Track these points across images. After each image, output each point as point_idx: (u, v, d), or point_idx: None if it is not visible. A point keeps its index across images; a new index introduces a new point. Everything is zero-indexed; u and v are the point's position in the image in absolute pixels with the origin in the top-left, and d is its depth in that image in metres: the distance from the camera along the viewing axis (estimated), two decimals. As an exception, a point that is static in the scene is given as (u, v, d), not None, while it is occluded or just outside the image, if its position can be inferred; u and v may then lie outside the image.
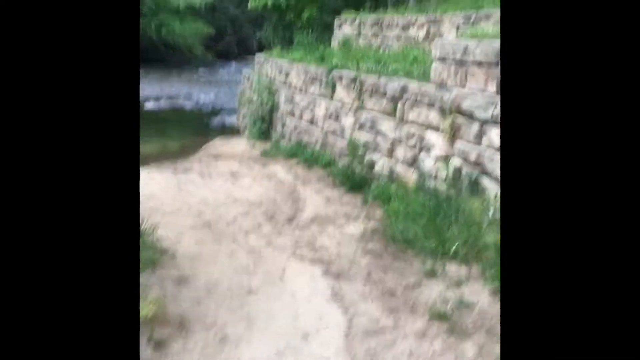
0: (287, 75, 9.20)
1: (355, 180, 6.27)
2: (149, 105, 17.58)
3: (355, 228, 4.86)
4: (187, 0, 32.85)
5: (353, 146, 6.47)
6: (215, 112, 16.25)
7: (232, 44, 41.02)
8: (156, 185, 6.10)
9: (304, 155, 7.81)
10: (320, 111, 7.64)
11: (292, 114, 8.76)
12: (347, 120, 6.83)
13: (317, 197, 6.09)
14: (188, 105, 17.98)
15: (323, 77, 7.62)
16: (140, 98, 18.98)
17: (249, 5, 17.55)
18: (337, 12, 16.72)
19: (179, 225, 4.70)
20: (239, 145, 9.48)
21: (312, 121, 7.96)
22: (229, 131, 13.20)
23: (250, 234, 4.62)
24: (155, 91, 20.79)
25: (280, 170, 7.46)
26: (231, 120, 14.31)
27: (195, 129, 14.02)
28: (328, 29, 15.21)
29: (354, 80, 6.69)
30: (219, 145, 9.65)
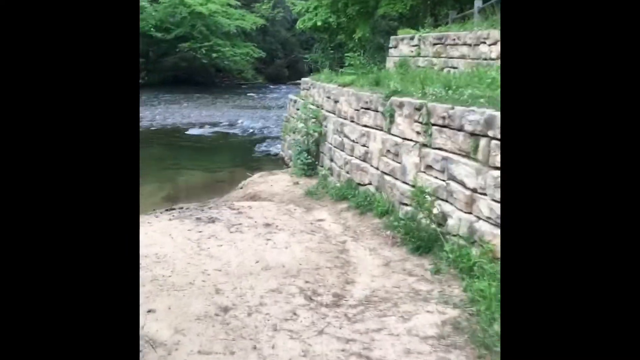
0: (336, 101, 7.93)
1: (422, 238, 4.87)
2: (193, 132, 16.71)
3: (427, 320, 3.46)
4: (238, 24, 32.46)
5: (418, 192, 5.07)
6: (260, 139, 15.18)
7: (283, 67, 40.54)
8: (171, 243, 4.89)
9: (356, 198, 6.47)
10: (375, 146, 6.30)
11: (341, 147, 7.46)
12: (410, 159, 5.46)
13: (373, 259, 4.73)
14: (233, 131, 17.00)
15: (379, 104, 6.29)
16: (184, 124, 18.23)
17: (297, 25, 16.53)
18: (390, 32, 15.51)
19: (184, 314, 3.44)
20: (281, 181, 8.23)
21: (365, 158, 6.62)
22: (273, 162, 12.04)
23: (279, 330, 3.30)
24: (201, 117, 20.01)
25: (326, 217, 6.14)
26: (276, 148, 13.17)
27: (237, 158, 12.95)
28: (381, 50, 13.96)
29: (418, 109, 5.34)
30: (258, 181, 8.43)
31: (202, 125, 17.82)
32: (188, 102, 24.90)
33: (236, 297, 3.76)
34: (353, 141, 7.00)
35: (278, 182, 8.22)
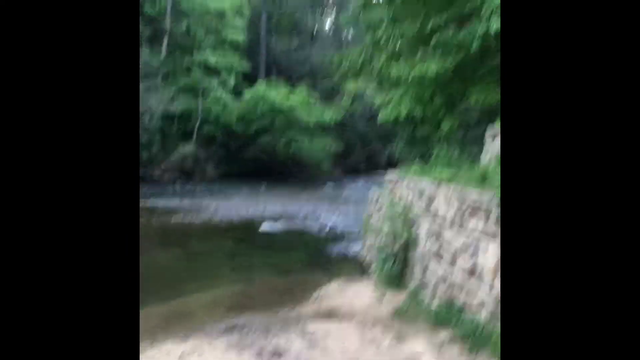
0: (430, 200, 6.68)
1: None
2: (265, 227, 15.83)
3: None
4: (317, 118, 32.55)
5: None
6: (337, 237, 14.01)
7: (361, 160, 40.06)
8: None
9: (462, 326, 5.04)
10: (488, 259, 4.93)
11: (438, 256, 6.11)
12: (543, 283, 4.05)
13: None
14: (308, 226, 15.97)
15: (492, 206, 4.98)
16: (259, 217, 17.48)
17: (379, 118, 15.71)
18: (480, 123, 14.34)
19: None
20: (362, 294, 6.91)
21: (473, 272, 5.23)
22: (351, 264, 10.74)
23: None
24: (275, 209, 19.24)
25: (424, 352, 4.72)
26: (354, 250, 11.91)
27: (311, 258, 11.76)
28: (474, 144, 12.75)
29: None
30: (335, 293, 7.15)
31: (276, 219, 16.95)
32: (265, 194, 24.45)
33: None
34: (456, 250, 5.65)
35: (359, 294, 6.90)
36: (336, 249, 12.41)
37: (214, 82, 30.52)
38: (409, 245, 7.27)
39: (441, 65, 12.61)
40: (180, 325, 6.35)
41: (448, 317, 5.35)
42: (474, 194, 5.38)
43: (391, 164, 36.38)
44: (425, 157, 14.47)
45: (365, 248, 10.46)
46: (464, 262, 5.41)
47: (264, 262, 11.25)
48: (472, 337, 4.76)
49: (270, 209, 19.27)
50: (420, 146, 16.74)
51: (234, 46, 32.56)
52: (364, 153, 40.45)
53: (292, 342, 4.79)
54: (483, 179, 5.88)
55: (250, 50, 34.41)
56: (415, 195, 7.35)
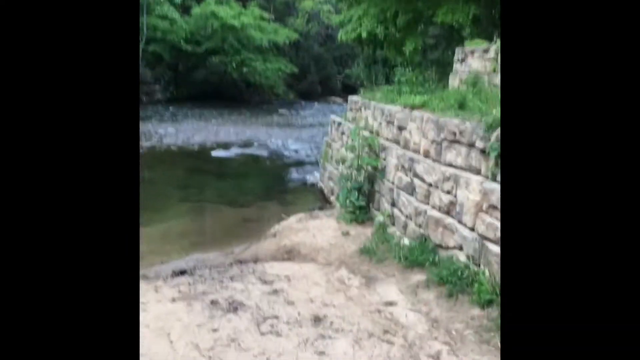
0: (400, 128, 6.08)
1: None
2: (220, 153, 15.02)
3: None
4: (270, 38, 31.01)
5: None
6: (293, 163, 13.39)
7: (315, 84, 38.93)
8: (168, 355, 3.09)
9: (437, 268, 4.59)
10: (468, 196, 4.41)
11: (410, 190, 5.59)
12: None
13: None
14: (263, 153, 15.25)
15: (476, 138, 4.42)
16: (211, 143, 16.60)
17: (339, 37, 14.72)
18: (447, 44, 13.71)
19: None
20: (326, 229, 6.38)
21: (450, 210, 4.74)
22: (310, 193, 10.22)
23: None
24: (229, 135, 18.36)
25: (398, 299, 4.26)
26: (313, 177, 11.35)
27: (268, 188, 11.15)
28: (440, 65, 12.10)
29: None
30: (296, 228, 6.59)
31: (229, 146, 16.12)
32: (216, 118, 23.37)
33: None
34: (430, 185, 5.12)
35: (322, 230, 6.37)
36: (293, 177, 11.81)
37: (160, -4, 28.32)
38: (375, 176, 6.72)
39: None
40: (124, 267, 5.69)
41: (421, 257, 4.89)
42: (453, 123, 4.79)
43: (347, 88, 35.58)
44: (385, 81, 13.81)
45: (324, 177, 9.90)
46: (440, 198, 4.89)
47: (216, 192, 10.57)
48: (448, 280, 4.32)
49: (223, 135, 18.36)
50: (381, 68, 15.99)
51: (181, -42, 30.11)
52: (318, 76, 39.23)
53: (250, 291, 4.23)
54: (461, 106, 5.29)
55: (198, -38, 31.98)
56: (383, 122, 6.73)
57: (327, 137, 10.41)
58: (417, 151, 5.55)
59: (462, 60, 9.52)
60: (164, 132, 17.84)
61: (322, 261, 5.39)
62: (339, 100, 35.42)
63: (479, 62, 8.77)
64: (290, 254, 5.73)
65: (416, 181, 5.43)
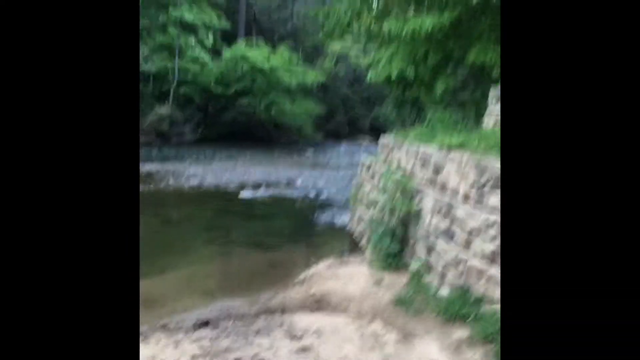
0: (437, 170, 5.76)
1: None
2: (247, 194, 14.84)
3: None
4: (299, 80, 31.27)
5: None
6: (322, 206, 13.08)
7: (343, 124, 39.01)
8: None
9: (483, 324, 4.18)
10: (516, 245, 4.02)
11: (448, 236, 5.22)
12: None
13: None
14: (290, 193, 15.01)
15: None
16: (238, 184, 16.46)
17: (369, 78, 14.62)
18: (475, 84, 13.41)
19: None
20: (357, 276, 6.02)
21: (493, 260, 4.35)
22: (339, 236, 9.86)
23: None
24: (256, 175, 18.22)
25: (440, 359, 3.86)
26: (343, 219, 11.01)
27: (296, 230, 10.84)
28: (466, 105, 11.81)
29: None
30: (325, 275, 6.24)
31: (257, 186, 15.95)
32: (244, 158, 23.37)
33: None
34: (470, 231, 4.76)
35: (353, 277, 6.01)
36: (322, 219, 11.48)
37: (191, 40, 28.90)
38: (409, 220, 6.37)
39: (437, 20, 11.52)
40: (144, 315, 5.40)
41: (463, 310, 4.49)
42: (496, 164, 4.46)
43: (375, 129, 35.42)
44: (416, 121, 13.56)
45: (355, 220, 9.57)
46: (483, 245, 4.52)
47: (244, 234, 10.31)
48: (497, 338, 3.90)
49: (251, 175, 18.26)
50: (411, 109, 15.77)
51: (212, 3, 30.84)
52: (346, 117, 39.33)
53: (277, 348, 3.88)
54: (503, 146, 4.95)
55: (229, 7, 32.70)
56: (417, 163, 6.42)
57: (356, 178, 10.12)
58: (455, 195, 5.21)
59: (497, 99, 9.20)
60: (193, 172, 17.81)
61: (354, 312, 5.02)
62: (366, 141, 35.32)
63: (515, 101, 8.44)
64: (319, 304, 5.37)
65: (455, 227, 5.07)
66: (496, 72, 12.63)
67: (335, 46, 33.71)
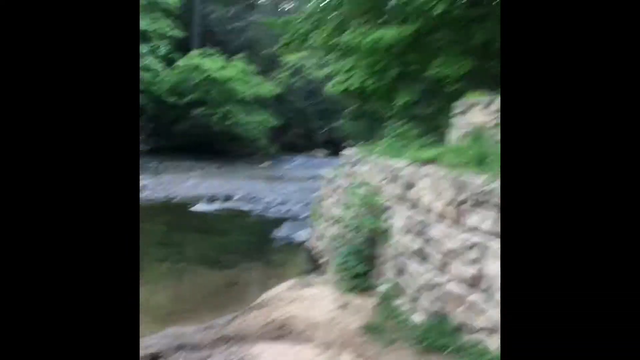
0: (408, 186, 5.41)
1: None
2: (201, 208, 14.20)
3: None
4: (254, 92, 30.78)
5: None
6: (278, 220, 12.59)
7: (299, 137, 38.67)
8: None
9: (464, 356, 3.81)
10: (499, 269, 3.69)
11: (421, 258, 4.87)
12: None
13: None
14: (246, 208, 14.46)
15: (506, 199, 3.73)
16: (191, 197, 15.77)
17: (327, 89, 14.31)
18: (431, 98, 13.27)
19: None
20: (322, 299, 5.59)
21: (475, 282, 4.01)
22: (298, 254, 9.41)
23: None
24: (211, 188, 17.56)
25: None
26: (301, 234, 10.57)
27: (253, 248, 10.31)
28: (433, 119, 11.62)
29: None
30: (287, 297, 5.78)
31: (211, 200, 15.32)
32: (197, 170, 22.63)
33: None
34: (447, 252, 4.41)
35: (317, 300, 5.57)
36: (280, 234, 11.00)
37: (144, 48, 28.01)
38: (375, 239, 6.00)
39: (397, 33, 11.32)
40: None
41: (441, 339, 4.12)
42: (477, 182, 4.14)
43: (330, 142, 35.19)
44: (374, 135, 13.32)
45: (314, 236, 9.16)
46: (461, 269, 4.18)
47: (197, 251, 9.73)
48: (480, 373, 3.55)
49: (204, 188, 17.58)
50: (370, 122, 15.53)
51: (166, 12, 30.02)
52: (302, 130, 39.01)
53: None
54: (480, 161, 4.65)
55: (183, 17, 31.91)
56: (385, 178, 6.07)
57: (317, 193, 9.73)
58: (429, 213, 4.86)
59: (464, 114, 9.00)
60: (143, 184, 17.00)
61: (320, 341, 4.58)
62: (321, 154, 35.07)
63: (481, 116, 8.25)
64: (281, 331, 4.90)
65: (429, 248, 4.72)
66: (453, 87, 12.54)
67: (291, 58, 33.42)
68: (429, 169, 5.02)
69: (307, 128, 38.91)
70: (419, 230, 4.92)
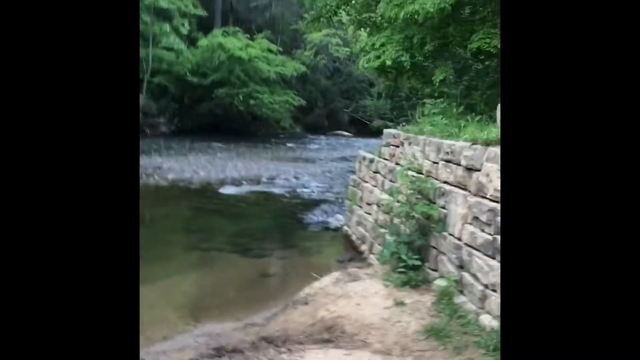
0: (470, 169, 4.80)
1: None
2: (228, 191, 13.72)
3: None
4: (277, 71, 30.11)
5: None
6: (310, 203, 12.04)
7: (323, 117, 37.98)
8: None
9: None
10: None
11: (491, 250, 4.27)
12: None
13: None
14: (275, 190, 13.95)
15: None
16: (218, 180, 15.31)
17: (360, 65, 13.62)
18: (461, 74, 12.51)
19: None
20: (372, 296, 5.03)
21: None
22: (338, 244, 8.82)
23: None
24: (237, 170, 17.07)
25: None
26: (336, 219, 10.02)
27: (286, 233, 9.80)
28: (467, 98, 10.87)
29: None
30: (333, 292, 5.24)
31: (238, 182, 14.84)
32: (222, 152, 22.16)
33: None
34: (527, 247, 3.82)
35: (367, 296, 5.02)
36: (312, 219, 10.45)
37: (166, 27, 27.48)
38: (428, 227, 5.42)
39: (436, 3, 10.59)
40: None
41: (522, 348, 3.54)
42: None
43: (354, 122, 34.42)
44: (410, 113, 12.67)
45: (352, 221, 8.60)
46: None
47: (227, 237, 9.23)
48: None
49: (230, 170, 17.10)
50: (401, 101, 14.86)
51: (188, -12, 29.40)
52: (325, 110, 38.30)
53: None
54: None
55: (205, -5, 31.29)
56: (440, 162, 5.45)
57: (354, 175, 9.13)
58: (497, 200, 4.25)
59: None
60: (167, 166, 16.59)
61: (377, 346, 4.04)
62: (346, 133, 34.39)
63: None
64: (331, 333, 4.38)
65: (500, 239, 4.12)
66: (496, 60, 11.77)
67: (315, 36, 32.62)
68: (497, 150, 4.40)
69: (331, 108, 38.18)
70: (488, 220, 4.31)
